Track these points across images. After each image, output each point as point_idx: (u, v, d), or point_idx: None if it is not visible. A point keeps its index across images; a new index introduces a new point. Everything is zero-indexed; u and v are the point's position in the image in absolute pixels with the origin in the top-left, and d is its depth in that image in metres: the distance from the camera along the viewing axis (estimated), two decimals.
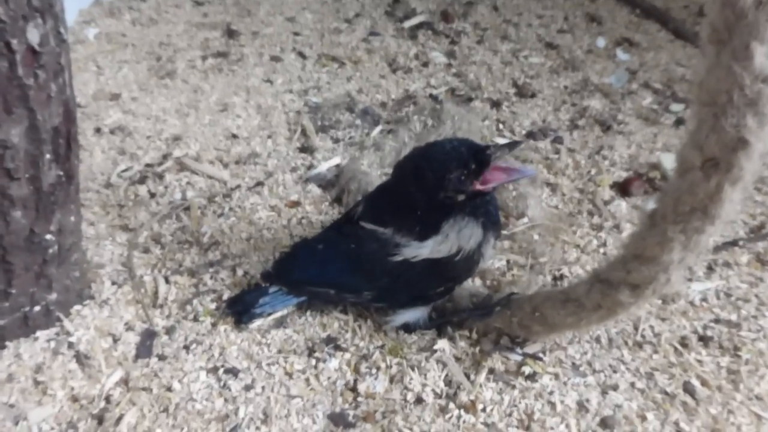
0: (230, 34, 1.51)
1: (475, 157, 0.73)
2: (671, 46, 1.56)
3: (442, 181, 0.73)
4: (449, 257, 0.75)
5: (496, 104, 1.31)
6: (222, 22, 1.55)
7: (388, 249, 0.77)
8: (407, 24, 1.58)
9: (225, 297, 0.88)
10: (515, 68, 1.44)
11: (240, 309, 0.85)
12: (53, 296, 0.79)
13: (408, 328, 0.83)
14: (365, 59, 1.44)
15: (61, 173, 0.71)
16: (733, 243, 0.98)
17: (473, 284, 0.88)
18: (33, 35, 0.61)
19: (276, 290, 0.85)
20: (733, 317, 0.85)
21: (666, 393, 0.76)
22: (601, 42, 1.56)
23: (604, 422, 0.73)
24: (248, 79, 1.36)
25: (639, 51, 1.53)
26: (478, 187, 0.74)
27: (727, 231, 1.01)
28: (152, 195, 1.06)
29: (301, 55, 1.45)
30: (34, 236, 0.72)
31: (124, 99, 1.28)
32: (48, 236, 0.73)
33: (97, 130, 1.19)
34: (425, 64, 1.44)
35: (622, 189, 1.09)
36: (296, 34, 1.52)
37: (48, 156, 0.68)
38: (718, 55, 0.51)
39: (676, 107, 1.32)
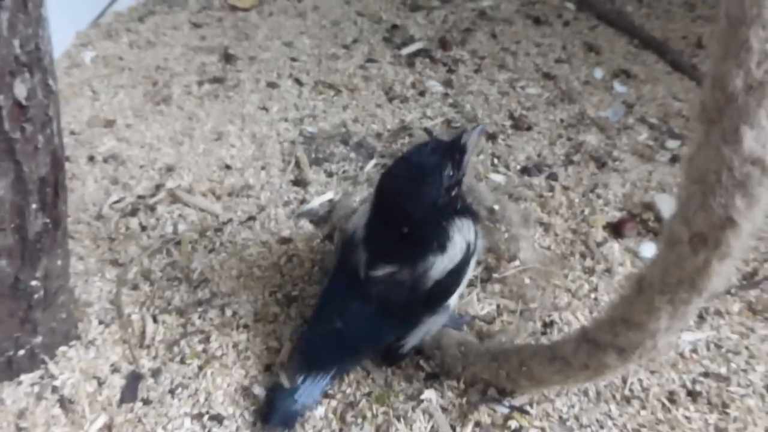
0: (227, 58, 1.51)
1: (454, 149, 0.75)
2: (668, 78, 1.55)
3: (440, 181, 0.74)
4: (465, 256, 0.77)
5: (491, 137, 1.31)
6: (219, 46, 1.55)
7: (415, 283, 0.76)
8: (405, 51, 1.57)
9: (213, 338, 0.87)
10: (512, 99, 1.44)
11: (282, 419, 0.77)
12: (38, 339, 0.78)
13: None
14: (362, 87, 1.44)
15: (48, 221, 0.71)
16: (725, 291, 0.97)
17: (462, 332, 0.87)
18: (20, 90, 0.60)
19: (305, 377, 0.78)
20: (723, 370, 0.85)
21: None
22: (598, 73, 1.56)
23: None
24: (244, 107, 1.35)
25: (636, 83, 1.53)
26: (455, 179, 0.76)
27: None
28: (143, 228, 1.06)
29: (298, 81, 1.45)
30: (19, 283, 0.71)
31: (118, 126, 1.28)
32: (34, 282, 0.73)
33: (91, 159, 1.19)
34: (422, 93, 1.44)
35: (615, 230, 1.09)
36: (293, 59, 1.52)
37: (34, 206, 0.67)
38: (708, 134, 0.51)
39: (671, 144, 1.32)
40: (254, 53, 1.54)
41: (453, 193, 0.76)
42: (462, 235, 0.77)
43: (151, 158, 1.20)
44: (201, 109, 1.34)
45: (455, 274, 0.78)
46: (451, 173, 0.75)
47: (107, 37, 1.54)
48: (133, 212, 1.08)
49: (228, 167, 1.19)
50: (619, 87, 1.51)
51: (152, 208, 1.09)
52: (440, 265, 0.76)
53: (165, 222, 1.06)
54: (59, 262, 0.76)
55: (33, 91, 0.62)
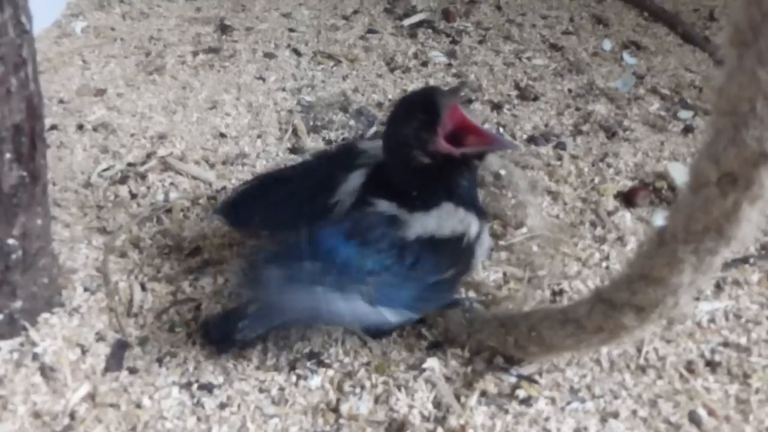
0: (223, 29, 1.46)
1: (424, 105, 0.70)
2: (680, 50, 1.50)
3: (401, 135, 0.72)
4: (454, 239, 0.72)
5: (497, 106, 1.26)
6: (215, 17, 1.50)
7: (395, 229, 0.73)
8: (407, 22, 1.52)
9: (204, 307, 0.83)
10: (518, 70, 1.39)
11: (217, 338, 0.76)
12: (18, 304, 0.74)
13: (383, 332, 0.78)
14: (362, 57, 1.39)
15: (25, 173, 0.66)
16: (744, 260, 0.92)
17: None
18: None
19: (256, 310, 0.73)
20: (743, 341, 0.80)
21: (670, 422, 0.70)
22: (607, 44, 1.50)
23: None
24: (240, 76, 1.31)
25: (646, 55, 1.47)
26: (444, 147, 0.70)
27: (737, 247, 0.95)
28: (133, 196, 1.01)
29: (296, 52, 1.40)
30: None
31: (109, 95, 1.23)
32: (10, 241, 0.69)
33: (80, 127, 1.14)
34: (424, 64, 1.39)
35: (627, 199, 1.04)
36: (291, 30, 1.47)
37: (8, 155, 0.63)
38: (741, 58, 0.46)
39: (684, 114, 1.27)
40: (251, 24, 1.49)
41: (426, 161, 0.73)
42: (457, 217, 0.73)
43: (143, 127, 1.15)
44: (195, 78, 1.29)
45: (435, 253, 0.73)
46: (416, 129, 0.71)
47: (99, 8, 1.49)
48: (123, 180, 1.03)
49: (223, 135, 1.14)
50: (628, 58, 1.46)
51: (143, 176, 1.04)
52: (415, 225, 0.72)
53: (156, 190, 1.02)
54: (39, 222, 0.72)
55: (3, 27, 0.57)
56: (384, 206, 0.75)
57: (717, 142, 0.49)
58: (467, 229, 0.75)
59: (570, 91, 1.33)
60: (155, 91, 1.25)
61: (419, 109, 0.72)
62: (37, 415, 0.70)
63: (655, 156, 1.15)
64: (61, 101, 1.20)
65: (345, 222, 0.75)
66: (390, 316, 0.71)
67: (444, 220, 0.74)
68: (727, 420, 0.71)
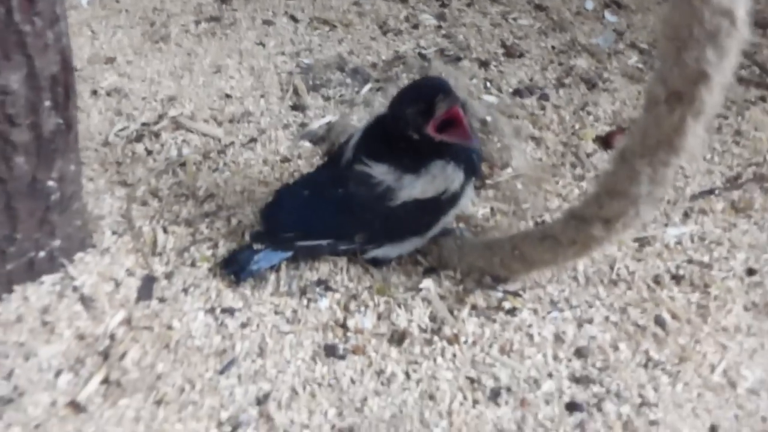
0: None
1: (427, 100, 0.79)
2: (658, 8, 1.57)
3: (403, 114, 0.82)
4: (437, 196, 0.81)
5: (484, 64, 1.34)
6: None
7: (380, 192, 0.82)
8: None
9: (221, 244, 0.92)
10: (504, 30, 1.46)
11: (236, 269, 0.86)
12: (57, 243, 0.82)
13: (381, 261, 0.88)
14: (356, 22, 1.46)
15: (61, 121, 0.74)
16: (710, 192, 1.01)
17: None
18: None
19: (266, 246, 0.86)
20: (706, 258, 0.90)
21: (638, 325, 0.80)
22: (589, 4, 1.57)
23: (578, 352, 0.77)
24: (241, 43, 1.38)
25: (627, 13, 1.55)
26: (430, 131, 0.80)
27: (705, 181, 1.04)
28: (149, 152, 1.09)
29: (293, 18, 1.47)
30: (37, 182, 0.75)
31: (119, 62, 1.30)
32: (50, 183, 0.77)
33: (94, 92, 1.22)
34: (415, 27, 1.46)
35: (605, 142, 1.13)
36: None
37: (47, 103, 0.71)
38: None
39: None
40: None
41: (415, 137, 0.82)
42: (444, 179, 0.82)
43: (153, 91, 1.23)
44: (199, 46, 1.36)
45: (422, 210, 0.83)
46: (416, 115, 0.81)
47: None
48: (138, 138, 1.11)
49: (228, 96, 1.22)
50: (609, 17, 1.53)
51: (156, 135, 1.12)
52: (410, 187, 0.82)
53: (169, 146, 1.10)
54: (72, 167, 0.80)
55: None
56: (378, 170, 0.83)
57: (664, 65, 0.58)
58: (450, 185, 0.83)
59: (553, 47, 1.41)
60: (162, 58, 1.32)
61: (423, 99, 0.81)
62: (81, 337, 0.79)
63: (632, 104, 1.23)
64: (74, 69, 1.27)
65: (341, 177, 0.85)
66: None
67: (430, 182, 0.82)
68: (688, 322, 0.81)
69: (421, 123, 0.80)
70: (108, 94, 1.22)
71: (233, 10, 1.49)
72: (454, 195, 0.83)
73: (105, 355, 0.78)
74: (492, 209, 0.97)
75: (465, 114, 0.80)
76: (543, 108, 1.21)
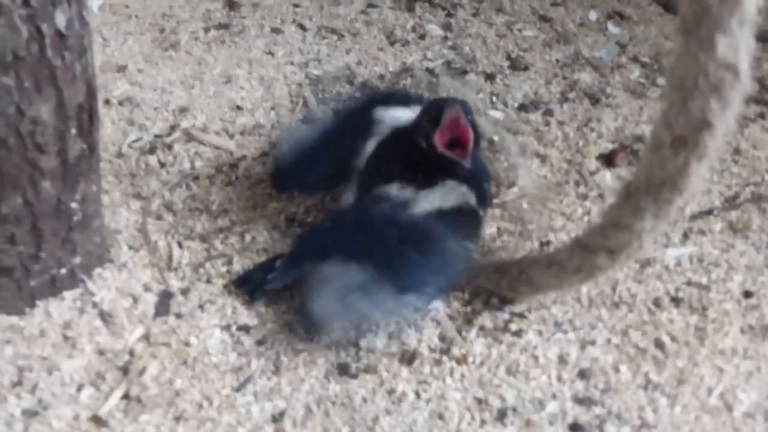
0: (231, 5, 1.54)
1: (439, 109, 0.85)
2: (660, 19, 1.59)
3: (417, 122, 0.88)
4: (459, 208, 0.86)
5: (490, 77, 1.36)
6: None
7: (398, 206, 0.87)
8: None
9: (235, 260, 0.94)
10: (509, 41, 1.48)
11: (250, 288, 0.89)
12: (77, 260, 0.85)
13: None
14: (364, 31, 1.48)
15: (85, 146, 0.77)
16: (708, 212, 1.04)
17: None
18: (60, 20, 0.66)
19: (284, 263, 0.89)
20: (704, 280, 0.93)
21: (638, 348, 0.84)
22: (593, 15, 1.60)
23: (581, 373, 0.81)
24: (250, 51, 1.40)
25: (629, 24, 1.57)
26: (438, 143, 0.84)
27: (704, 201, 1.07)
28: (162, 165, 1.11)
29: (301, 27, 1.49)
30: (61, 204, 0.78)
31: (130, 70, 1.32)
32: (73, 204, 0.79)
33: (106, 102, 1.24)
34: (422, 37, 1.48)
35: (608, 160, 1.15)
36: (296, 5, 1.55)
37: (73, 131, 0.73)
38: (687, 44, 0.57)
39: (663, 81, 1.37)
40: (257, 0, 1.57)
41: (424, 146, 0.86)
42: (460, 190, 0.87)
43: (165, 100, 1.25)
44: (209, 54, 1.38)
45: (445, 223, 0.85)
46: (424, 127, 0.86)
47: None
48: (152, 150, 1.14)
49: (239, 108, 1.24)
50: (612, 28, 1.56)
51: (169, 147, 1.14)
52: (427, 199, 0.86)
53: (182, 159, 1.12)
54: (94, 188, 0.83)
55: (71, 21, 0.67)
56: (392, 190, 0.88)
57: (670, 111, 0.61)
58: (469, 199, 0.88)
59: (558, 60, 1.43)
60: (173, 67, 1.34)
61: (434, 109, 0.87)
62: (101, 352, 0.82)
63: (634, 120, 1.26)
64: None
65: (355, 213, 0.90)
66: (418, 301, 0.83)
67: (447, 194, 0.87)
68: (686, 345, 0.84)
69: (430, 131, 0.85)
70: (120, 103, 1.24)
71: (242, 17, 1.51)
72: (475, 211, 0.88)
73: (125, 370, 0.81)
74: (499, 229, 1.00)
75: (472, 132, 0.85)
76: (548, 124, 1.24)
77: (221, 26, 1.47)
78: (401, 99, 1.01)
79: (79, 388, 0.79)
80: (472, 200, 0.89)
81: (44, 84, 0.67)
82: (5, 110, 0.67)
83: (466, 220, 0.89)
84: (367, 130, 0.96)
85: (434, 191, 0.87)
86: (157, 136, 1.17)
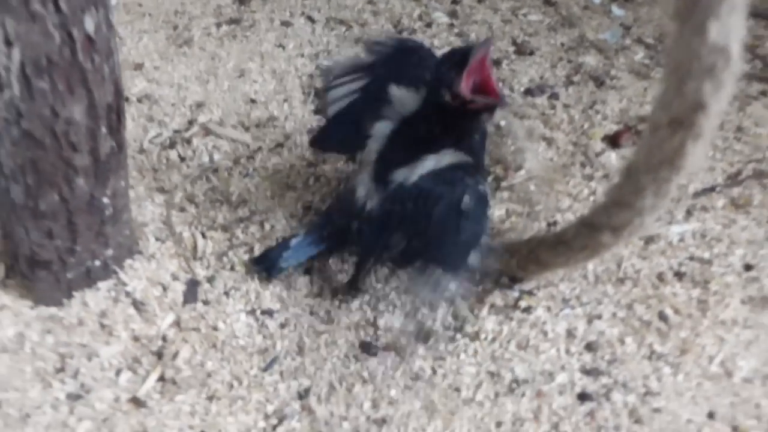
0: (241, 0, 1.58)
1: (460, 54, 0.80)
2: (664, 0, 1.61)
3: (437, 72, 0.82)
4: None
5: (496, 62, 1.39)
6: None
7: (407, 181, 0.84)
8: None
9: (256, 248, 0.99)
10: (515, 26, 1.51)
11: (267, 265, 0.94)
12: (110, 252, 0.90)
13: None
14: (371, 21, 1.51)
15: (114, 144, 0.81)
16: (711, 189, 1.08)
17: None
18: (89, 24, 0.70)
19: (297, 242, 0.93)
20: (706, 255, 0.96)
21: (643, 320, 0.88)
22: None
23: (589, 346, 0.85)
24: (261, 45, 1.43)
25: (633, 6, 1.59)
26: (463, 89, 0.78)
27: (707, 178, 1.11)
28: (182, 159, 1.16)
29: (310, 19, 1.52)
30: (94, 200, 0.83)
31: (147, 68, 1.37)
32: (105, 199, 0.84)
33: (126, 99, 1.28)
34: (429, 25, 1.51)
35: (613, 141, 1.19)
36: None
37: (104, 129, 0.78)
38: (681, 30, 0.61)
39: None
40: None
41: (451, 100, 0.80)
42: (459, 154, 0.82)
43: (181, 96, 1.29)
44: (222, 49, 1.42)
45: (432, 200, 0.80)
46: (449, 70, 0.79)
47: None
48: (172, 145, 1.18)
49: (253, 101, 1.28)
50: (617, 10, 1.58)
51: (188, 141, 1.19)
52: (428, 163, 0.82)
53: (201, 152, 1.17)
54: (122, 183, 0.88)
55: (99, 25, 0.71)
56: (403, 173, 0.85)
57: (666, 94, 0.64)
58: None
59: (563, 44, 1.46)
60: (187, 63, 1.38)
61: (455, 56, 0.81)
62: (136, 338, 0.88)
63: (638, 101, 1.29)
64: None
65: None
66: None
67: (448, 156, 0.83)
68: (689, 317, 0.88)
69: (453, 78, 0.78)
70: (139, 100, 1.29)
71: (252, 11, 1.54)
72: (482, 195, 0.82)
73: (159, 354, 0.86)
74: (507, 210, 1.04)
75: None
76: (553, 107, 1.27)
77: (232, 21, 1.51)
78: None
79: (118, 372, 0.84)
80: (469, 178, 0.83)
81: (76, 86, 0.72)
82: (41, 112, 0.72)
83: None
84: (377, 110, 0.92)
85: (437, 154, 0.83)
86: (176, 131, 1.21)
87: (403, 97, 0.90)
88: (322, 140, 1.06)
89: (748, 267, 0.94)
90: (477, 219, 0.80)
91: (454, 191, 0.80)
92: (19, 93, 0.69)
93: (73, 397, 0.81)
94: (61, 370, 0.84)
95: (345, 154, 1.09)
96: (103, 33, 0.73)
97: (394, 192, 0.84)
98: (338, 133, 1.01)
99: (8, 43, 0.65)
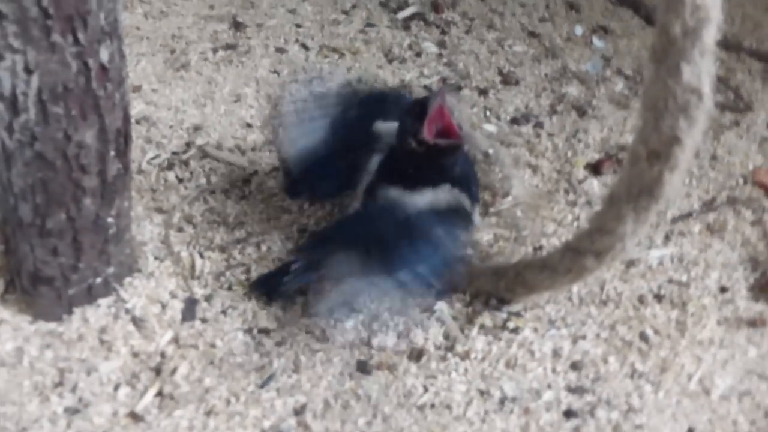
0: (237, 26, 1.62)
1: (420, 103, 0.89)
2: (643, 33, 1.69)
3: (402, 124, 0.90)
4: (450, 207, 0.91)
5: (483, 92, 1.45)
6: (228, 15, 1.66)
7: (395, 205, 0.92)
8: (401, 15, 1.69)
9: (253, 269, 1.02)
10: (500, 57, 1.57)
11: (267, 290, 0.97)
12: (111, 270, 0.93)
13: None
14: (363, 50, 1.57)
15: (121, 166, 0.85)
16: (688, 215, 1.13)
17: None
18: (104, 54, 0.74)
19: (296, 268, 0.95)
20: (684, 278, 1.02)
21: (625, 341, 0.92)
22: (578, 30, 1.68)
23: (574, 365, 0.89)
24: (257, 71, 1.47)
25: (613, 38, 1.66)
26: (425, 136, 0.87)
27: (683, 205, 1.16)
28: (180, 180, 1.19)
29: (304, 46, 1.57)
30: (99, 219, 0.85)
31: (145, 90, 1.40)
32: (110, 219, 0.87)
33: None
34: (418, 54, 1.57)
35: (595, 169, 1.24)
36: (298, 26, 1.63)
37: (112, 152, 0.81)
38: (657, 71, 0.66)
39: None
40: (261, 20, 1.64)
41: (415, 146, 0.89)
42: (453, 193, 0.91)
43: (179, 119, 1.32)
44: (218, 73, 1.46)
45: (441, 222, 0.89)
46: (411, 122, 0.89)
47: (123, 9, 1.63)
48: (170, 167, 1.21)
49: (249, 125, 1.32)
50: (597, 42, 1.65)
51: (186, 163, 1.22)
52: (417, 201, 0.91)
53: (198, 174, 1.20)
54: (126, 203, 0.91)
55: (113, 55, 0.75)
56: (391, 192, 0.93)
57: (644, 129, 0.69)
58: (461, 203, 0.93)
59: (546, 75, 1.52)
60: (185, 87, 1.41)
61: (416, 107, 0.90)
62: (135, 354, 0.90)
63: (618, 130, 1.35)
64: None
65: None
66: (413, 282, 0.86)
67: (442, 195, 0.92)
68: (668, 337, 0.93)
69: (417, 127, 0.86)
70: (137, 122, 1.31)
71: (247, 37, 1.59)
72: (467, 215, 0.93)
73: (157, 370, 0.88)
74: (495, 235, 1.08)
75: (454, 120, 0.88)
76: (538, 136, 1.32)
77: (228, 47, 1.55)
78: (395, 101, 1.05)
79: (116, 387, 0.86)
80: (466, 203, 0.94)
81: (89, 112, 0.75)
82: (54, 135, 0.75)
83: (457, 217, 0.93)
84: (369, 146, 1.00)
85: (426, 193, 0.91)
86: (174, 153, 1.24)
87: (391, 130, 0.97)
88: (295, 186, 1.05)
89: (723, 289, 1.00)
90: (431, 229, 0.88)
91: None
92: (35, 117, 0.73)
93: (71, 411, 0.83)
94: (60, 384, 0.85)
95: (327, 199, 1.09)
96: (116, 62, 0.76)
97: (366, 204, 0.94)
98: (321, 175, 1.03)
99: (28, 71, 0.69)
